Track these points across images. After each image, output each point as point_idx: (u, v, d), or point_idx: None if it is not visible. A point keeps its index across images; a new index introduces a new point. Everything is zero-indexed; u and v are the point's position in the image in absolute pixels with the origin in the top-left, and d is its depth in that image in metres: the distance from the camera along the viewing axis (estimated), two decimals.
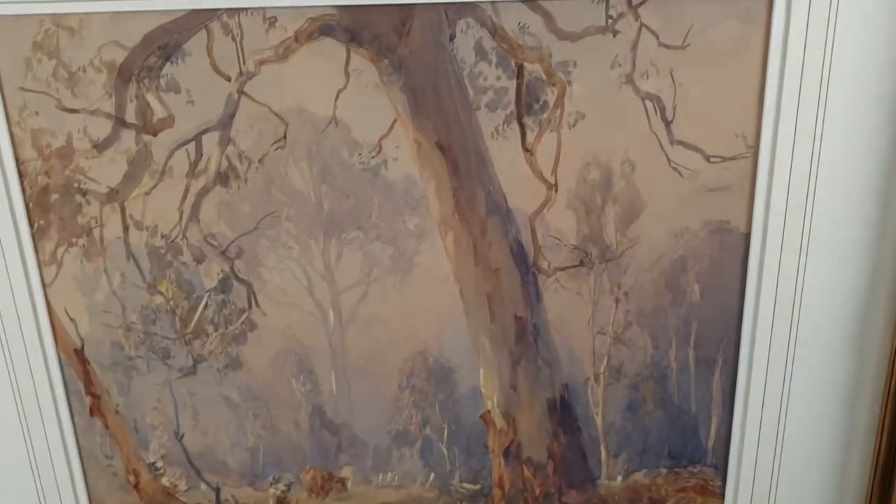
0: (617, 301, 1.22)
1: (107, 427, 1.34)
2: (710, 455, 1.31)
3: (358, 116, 1.15)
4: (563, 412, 1.29)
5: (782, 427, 1.26)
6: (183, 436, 1.34)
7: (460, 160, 1.16)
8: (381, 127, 1.15)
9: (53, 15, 1.10)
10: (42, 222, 1.21)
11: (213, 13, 1.10)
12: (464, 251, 1.21)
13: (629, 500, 1.34)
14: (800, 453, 1.28)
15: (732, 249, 1.19)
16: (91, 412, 1.33)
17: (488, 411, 1.30)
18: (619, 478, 1.33)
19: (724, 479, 1.31)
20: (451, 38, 1.10)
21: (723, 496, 1.32)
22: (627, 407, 1.28)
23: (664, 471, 1.32)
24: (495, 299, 1.23)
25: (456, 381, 1.28)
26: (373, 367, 1.28)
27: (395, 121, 1.14)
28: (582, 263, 1.20)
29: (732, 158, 1.15)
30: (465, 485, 1.34)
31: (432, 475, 1.34)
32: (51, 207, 1.20)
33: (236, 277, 1.23)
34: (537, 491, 1.34)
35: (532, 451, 1.32)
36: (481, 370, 1.27)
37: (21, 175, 1.19)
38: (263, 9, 1.10)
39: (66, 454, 1.34)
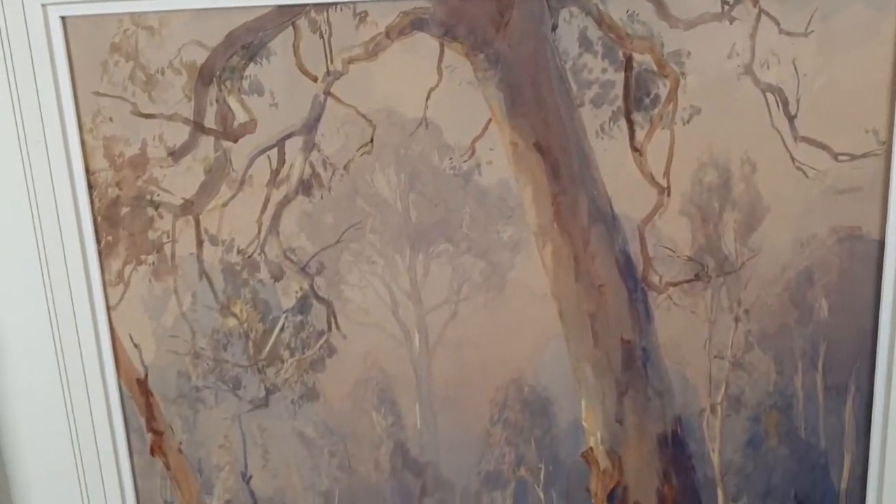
0: (737, 320, 1.10)
1: (168, 468, 1.22)
2: (843, 499, 1.15)
3: (450, 117, 1.07)
4: (676, 449, 1.15)
5: None
6: (251, 478, 1.21)
7: (561, 162, 1.07)
8: (475, 128, 1.07)
9: (133, 14, 1.05)
10: (110, 238, 1.13)
11: (300, 9, 1.04)
12: (563, 265, 1.10)
13: None
14: None
15: (865, 258, 1.07)
16: (152, 451, 1.21)
17: (591, 448, 1.16)
18: None
19: None
20: (554, 28, 1.03)
21: None
22: (748, 442, 1.14)
23: None
24: (599, 320, 1.12)
25: (554, 414, 1.16)
26: (461, 398, 1.16)
27: (489, 120, 1.06)
28: (697, 277, 1.09)
29: (863, 156, 1.05)
30: None
31: None
32: (120, 222, 1.13)
33: (316, 296, 1.14)
34: None
35: (640, 495, 1.17)
36: (583, 402, 1.15)
37: (90, 187, 1.12)
38: (354, 3, 1.04)
39: (123, 499, 1.22)
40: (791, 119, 1.03)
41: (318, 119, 1.07)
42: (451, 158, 1.08)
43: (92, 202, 1.12)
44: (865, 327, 1.09)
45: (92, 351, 1.16)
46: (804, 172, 1.05)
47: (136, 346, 1.17)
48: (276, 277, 1.14)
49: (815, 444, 1.14)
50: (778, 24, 1.01)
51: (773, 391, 1.12)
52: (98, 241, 1.13)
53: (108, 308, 1.16)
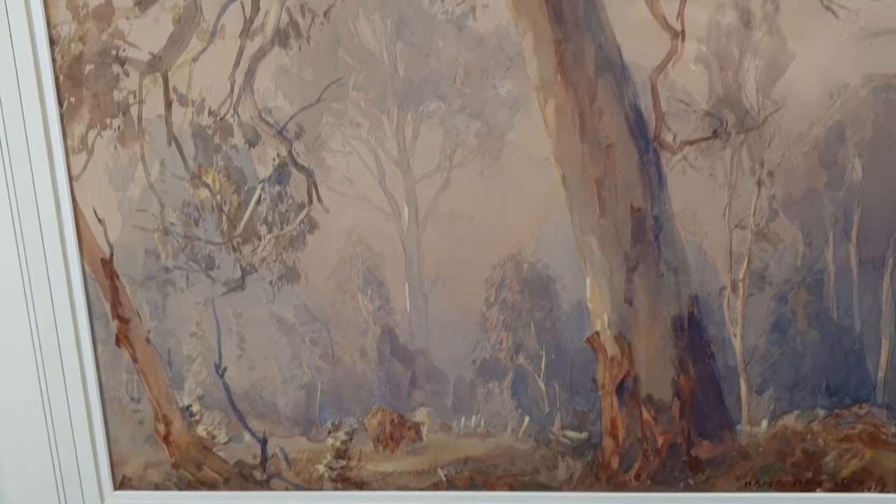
0: (759, 184, 0.99)
1: (135, 360, 1.12)
2: (880, 391, 1.03)
3: None
4: (693, 334, 1.04)
5: None
6: (225, 370, 1.11)
7: (564, 4, 0.96)
8: None
9: None
10: (73, 100, 1.04)
11: None
12: (567, 124, 1.00)
13: (776, 454, 1.06)
14: None
15: None
16: (118, 341, 1.11)
17: (597, 333, 1.05)
18: (764, 422, 1.05)
19: None
20: None
21: None
22: (773, 326, 1.03)
23: (821, 413, 1.05)
24: (606, 186, 1.01)
25: (556, 295, 1.05)
26: (454, 278, 1.05)
27: None
28: (715, 135, 0.98)
29: None
30: (568, 433, 1.08)
31: (527, 419, 1.09)
32: (84, 81, 1.03)
33: (295, 164, 1.04)
34: (660, 441, 1.07)
35: (653, 387, 1.06)
36: (588, 280, 1.04)
37: (52, 42, 1.02)
38: None
39: (86, 396, 1.12)
40: None
41: None
42: (442, 2, 0.98)
43: (53, 59, 1.03)
44: None
45: (52, 227, 1.07)
46: (833, 12, 0.94)
47: (100, 221, 1.08)
48: (251, 142, 1.04)
49: (849, 327, 1.02)
50: None
51: (800, 266, 1.01)
52: (60, 104, 1.04)
53: (71, 179, 1.06)
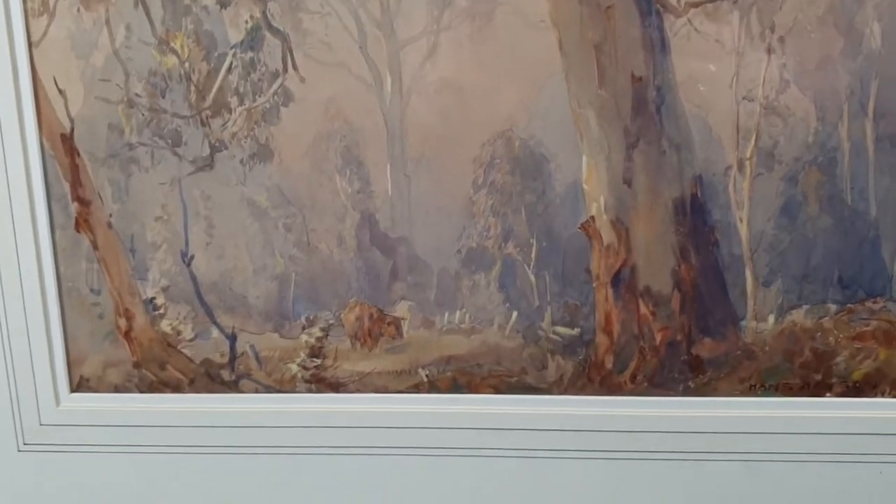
0: (769, 51, 0.92)
1: (96, 247, 1.04)
2: None
3: None
4: (695, 218, 0.96)
5: None
6: (192, 258, 1.03)
7: None
8: None
9: None
10: None
11: None
12: None
13: (784, 353, 0.98)
14: None
15: None
16: (77, 226, 1.03)
17: (592, 218, 0.97)
18: (771, 318, 0.98)
19: None
20: None
21: None
22: (783, 209, 0.95)
23: (833, 308, 0.97)
24: (605, 52, 0.93)
25: (550, 175, 0.97)
26: (440, 157, 0.98)
27: None
28: None
29: None
30: (559, 329, 1.00)
31: (515, 314, 1.01)
32: None
33: (269, 27, 0.96)
34: (658, 338, 0.99)
35: (651, 278, 0.98)
36: (584, 158, 0.96)
37: None
38: None
39: (42, 287, 1.04)
40: None
41: None
42: None
43: None
44: None
45: (9, 99, 0.99)
46: None
47: (60, 92, 1.00)
48: (223, 3, 0.96)
49: (864, 211, 0.94)
50: None
51: (812, 143, 0.93)
52: None
53: (30, 45, 0.99)
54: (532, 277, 1.00)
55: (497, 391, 1.02)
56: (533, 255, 0.99)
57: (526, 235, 0.99)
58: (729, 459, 1.00)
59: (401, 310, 1.02)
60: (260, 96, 0.98)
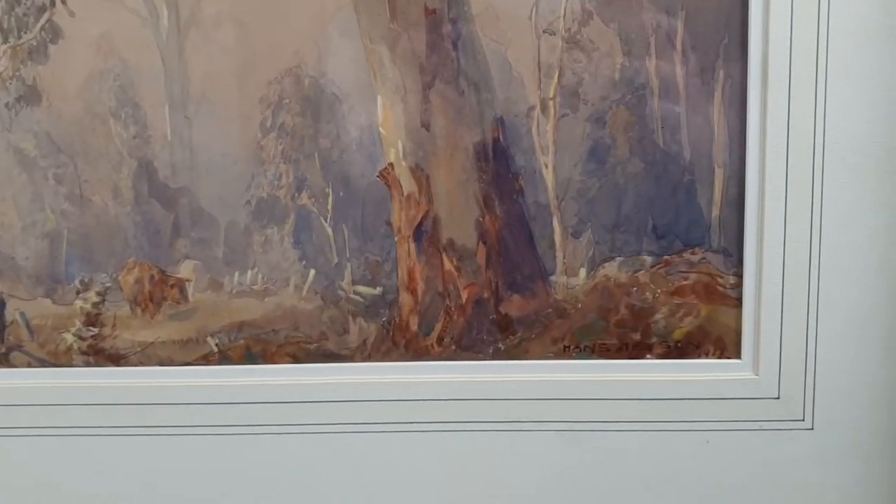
0: None
1: None
2: (715, 233, 0.89)
3: None
4: (498, 165, 0.89)
5: (819, 176, 0.85)
6: None
7: None
8: None
9: None
10: None
11: None
12: None
13: (598, 311, 0.91)
14: (849, 218, 0.86)
15: None
16: None
17: (390, 165, 0.90)
18: (582, 272, 0.90)
19: (739, 273, 0.89)
20: None
21: (739, 301, 0.89)
22: (591, 154, 0.88)
23: (648, 260, 0.90)
24: None
25: (343, 117, 0.89)
26: (224, 98, 0.89)
27: None
28: None
29: None
30: (360, 288, 0.92)
31: (312, 273, 0.92)
32: None
33: None
34: (464, 296, 0.91)
35: (455, 230, 0.90)
36: (379, 99, 0.88)
37: None
38: None
39: None
40: None
41: None
42: None
43: None
44: None
45: None
46: None
47: None
48: None
49: (677, 154, 0.88)
50: None
51: (619, 80, 0.87)
52: None
53: None
54: (329, 231, 0.91)
55: (295, 360, 0.93)
56: (329, 206, 0.91)
57: (321, 184, 0.90)
58: (545, 430, 0.92)
59: (185, 270, 0.92)
60: (26, 32, 0.89)
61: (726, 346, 0.90)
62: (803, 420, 0.90)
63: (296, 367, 0.93)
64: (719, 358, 0.91)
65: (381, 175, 0.90)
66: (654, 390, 0.90)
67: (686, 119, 0.87)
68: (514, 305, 0.91)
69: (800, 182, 0.85)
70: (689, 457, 0.92)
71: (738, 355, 0.90)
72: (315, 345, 0.93)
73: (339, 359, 0.93)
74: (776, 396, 0.90)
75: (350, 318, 0.92)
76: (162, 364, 0.94)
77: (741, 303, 0.89)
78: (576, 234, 0.89)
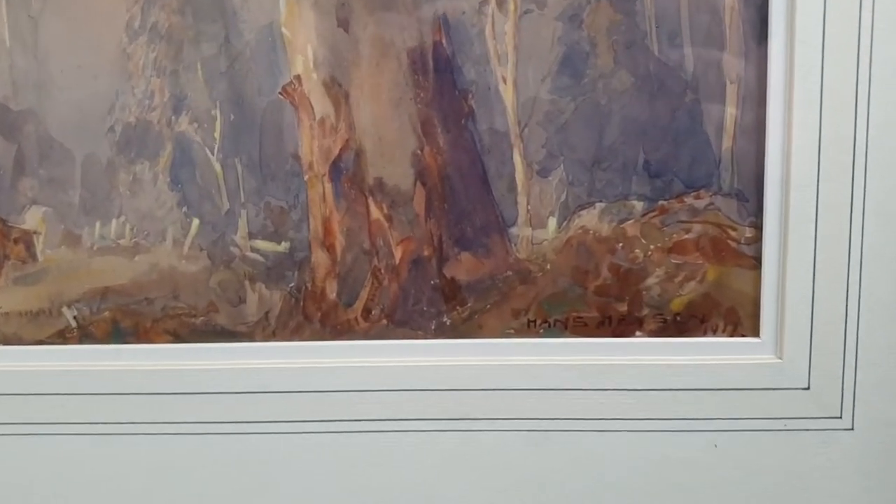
0: None
1: None
2: (726, 171, 0.68)
3: None
4: (441, 78, 0.67)
5: (865, 91, 0.64)
6: None
7: None
8: None
9: None
10: None
11: None
12: None
13: (573, 273, 0.69)
14: None
15: None
16: None
17: (297, 78, 0.68)
18: (552, 222, 0.69)
19: (758, 223, 0.67)
20: None
21: (758, 261, 0.68)
22: (563, 64, 0.67)
23: (639, 206, 0.68)
24: None
25: (234, 14, 0.67)
26: None
27: None
28: None
29: None
30: (259, 243, 0.70)
31: (195, 223, 0.70)
32: None
33: None
34: (398, 254, 0.69)
35: (385, 167, 0.69)
36: None
37: None
38: None
39: None
40: None
41: None
42: None
43: None
44: None
45: None
46: None
47: None
48: None
49: (678, 65, 0.66)
50: None
51: None
52: None
53: None
54: (218, 167, 0.69)
55: (176, 338, 0.71)
56: (217, 133, 0.69)
57: (206, 105, 0.68)
58: (504, 429, 0.70)
59: (32, 219, 0.71)
60: None
61: (740, 320, 0.69)
62: (840, 418, 0.69)
63: (177, 348, 0.71)
64: (731, 336, 0.69)
65: (284, 92, 0.68)
66: (646, 378, 0.69)
67: (689, 17, 0.66)
68: (464, 267, 0.69)
69: (839, 102, 0.64)
70: (692, 464, 0.70)
71: (755, 332, 0.69)
72: (202, 318, 0.71)
73: (234, 337, 0.71)
74: (805, 387, 0.68)
75: (247, 283, 0.70)
76: (7, 342, 0.72)
77: (760, 263, 0.68)
78: (543, 173, 0.68)
